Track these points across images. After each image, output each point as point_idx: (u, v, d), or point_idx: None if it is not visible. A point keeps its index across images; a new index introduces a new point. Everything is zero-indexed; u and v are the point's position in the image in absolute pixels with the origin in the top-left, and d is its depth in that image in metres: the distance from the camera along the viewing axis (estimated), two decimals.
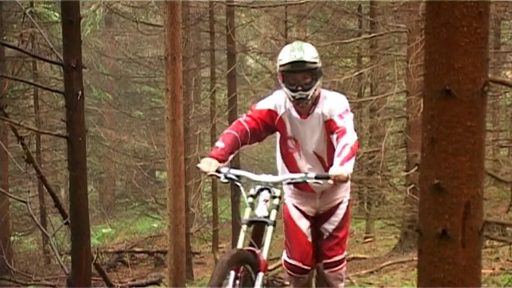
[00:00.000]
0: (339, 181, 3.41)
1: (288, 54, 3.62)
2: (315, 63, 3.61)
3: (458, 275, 1.89)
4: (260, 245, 3.42)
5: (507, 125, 14.08)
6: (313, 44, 4.03)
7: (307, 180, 3.52)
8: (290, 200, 3.99)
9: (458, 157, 1.85)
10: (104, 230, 17.86)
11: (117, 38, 19.15)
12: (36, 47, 11.60)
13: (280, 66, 3.65)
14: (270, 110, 3.80)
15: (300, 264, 3.90)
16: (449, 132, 1.85)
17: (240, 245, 3.40)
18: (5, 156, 11.86)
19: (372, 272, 8.84)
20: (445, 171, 1.85)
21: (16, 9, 12.18)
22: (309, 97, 3.64)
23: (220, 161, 3.57)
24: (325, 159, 3.78)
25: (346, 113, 3.68)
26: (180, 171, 5.94)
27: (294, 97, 3.65)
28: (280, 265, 6.26)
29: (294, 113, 3.78)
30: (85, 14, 12.76)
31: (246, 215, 3.46)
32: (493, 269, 7.30)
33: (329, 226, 3.94)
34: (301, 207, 3.96)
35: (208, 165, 3.53)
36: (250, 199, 3.49)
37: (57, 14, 12.22)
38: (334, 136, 3.61)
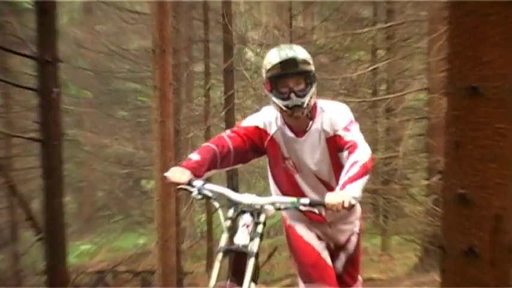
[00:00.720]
0: (336, 211, 3.13)
1: (276, 54, 3.50)
2: (308, 64, 3.50)
3: None
4: (240, 281, 3.15)
5: None
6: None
7: (300, 207, 3.26)
8: (294, 222, 3.92)
9: (486, 163, 1.84)
10: (82, 247, 17.79)
11: (98, 27, 19.03)
12: (6, 38, 11.66)
13: (268, 71, 3.52)
14: (257, 128, 3.69)
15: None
16: (475, 135, 1.85)
17: (213, 281, 3.15)
18: None
19: None
20: (471, 180, 1.84)
21: None
22: (305, 105, 3.50)
23: (194, 175, 3.38)
24: (332, 182, 3.64)
25: (352, 124, 3.55)
26: None
27: (287, 106, 3.51)
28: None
29: (288, 132, 3.68)
30: (61, 0, 12.80)
31: (223, 241, 3.23)
32: None
33: (339, 263, 3.90)
34: (311, 231, 3.87)
35: (179, 174, 3.34)
36: (229, 222, 3.28)
37: (29, 1, 12.25)
38: (345, 153, 3.46)
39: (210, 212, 13.16)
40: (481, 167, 1.86)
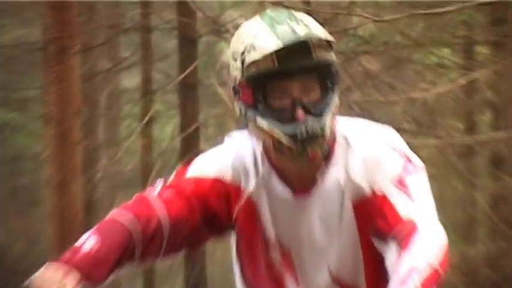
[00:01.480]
0: None
1: (268, 30, 2.38)
2: (328, 48, 2.42)
3: None
4: None
5: None
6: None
7: None
8: None
9: None
10: None
11: None
12: None
13: (249, 64, 2.38)
14: (219, 182, 2.58)
15: None
16: None
17: None
18: None
19: None
20: None
21: None
22: (326, 131, 2.49)
23: (87, 279, 2.35)
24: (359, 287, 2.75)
25: (409, 171, 2.46)
26: None
27: (294, 137, 2.43)
28: None
29: (279, 186, 2.60)
30: None
31: None
32: None
33: None
34: None
35: (57, 279, 2.28)
36: None
37: None
38: (392, 244, 2.34)
39: None
40: None
